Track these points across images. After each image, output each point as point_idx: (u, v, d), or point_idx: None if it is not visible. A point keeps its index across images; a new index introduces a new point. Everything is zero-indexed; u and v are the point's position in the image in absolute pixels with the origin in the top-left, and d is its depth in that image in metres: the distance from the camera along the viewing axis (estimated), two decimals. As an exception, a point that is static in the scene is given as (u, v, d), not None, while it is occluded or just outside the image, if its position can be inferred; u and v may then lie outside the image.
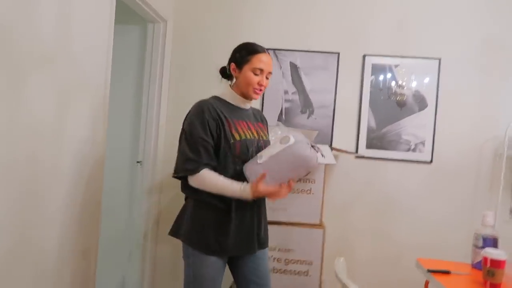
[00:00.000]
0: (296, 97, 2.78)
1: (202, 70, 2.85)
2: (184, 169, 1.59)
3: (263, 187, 1.54)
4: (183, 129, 1.66)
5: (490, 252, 1.58)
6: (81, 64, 1.78)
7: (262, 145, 1.71)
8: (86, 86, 1.85)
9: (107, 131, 2.06)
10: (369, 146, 2.74)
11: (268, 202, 1.80)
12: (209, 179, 1.56)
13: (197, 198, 1.65)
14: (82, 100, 1.82)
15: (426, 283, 1.83)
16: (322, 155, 1.61)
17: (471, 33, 2.70)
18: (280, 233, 2.25)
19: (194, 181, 1.59)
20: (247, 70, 1.66)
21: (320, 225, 2.26)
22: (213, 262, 1.62)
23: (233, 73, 1.72)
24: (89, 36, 1.83)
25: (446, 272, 1.68)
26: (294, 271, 2.24)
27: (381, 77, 2.74)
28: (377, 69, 2.74)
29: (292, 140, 1.53)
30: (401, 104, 2.76)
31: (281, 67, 2.79)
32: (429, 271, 1.70)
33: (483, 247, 1.69)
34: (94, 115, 1.93)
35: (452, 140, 2.71)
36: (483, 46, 2.70)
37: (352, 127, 2.77)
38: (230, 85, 1.76)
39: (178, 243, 1.70)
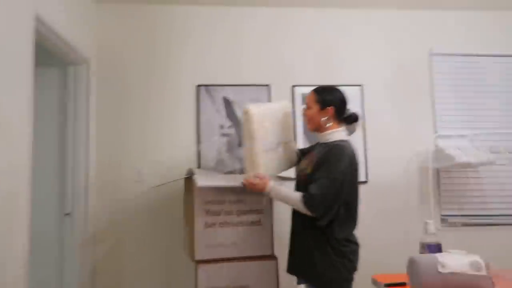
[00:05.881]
0: (232, 130, 2.78)
1: (131, 109, 2.74)
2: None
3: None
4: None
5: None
6: (0, 111, 1.59)
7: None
8: (6, 132, 1.65)
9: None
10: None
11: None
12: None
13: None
14: (2, 148, 1.61)
15: (385, 298, 1.84)
16: None
17: (386, 61, 2.98)
18: (232, 269, 2.14)
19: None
20: None
21: (272, 257, 2.20)
22: None
23: None
24: (7, 82, 1.65)
25: (403, 284, 1.70)
26: (251, 309, 2.13)
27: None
28: (307, 98, 2.86)
29: (483, 272, 1.43)
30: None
31: (214, 103, 2.79)
32: (387, 285, 1.72)
33: (430, 254, 1.75)
34: (17, 167, 1.72)
35: (382, 159, 2.89)
36: (397, 72, 2.98)
37: (289, 156, 2.81)
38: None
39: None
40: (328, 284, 1.82)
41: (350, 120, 1.96)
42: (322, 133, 1.92)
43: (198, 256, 2.09)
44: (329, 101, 1.89)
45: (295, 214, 1.94)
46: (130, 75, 2.77)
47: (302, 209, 1.78)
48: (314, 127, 1.94)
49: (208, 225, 2.13)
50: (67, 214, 2.53)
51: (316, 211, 1.76)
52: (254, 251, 2.18)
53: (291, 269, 1.95)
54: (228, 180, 2.19)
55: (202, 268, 2.11)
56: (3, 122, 1.61)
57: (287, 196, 1.85)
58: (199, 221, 2.12)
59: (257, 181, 1.89)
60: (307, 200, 1.76)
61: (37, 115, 1.92)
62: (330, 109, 1.88)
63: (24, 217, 1.79)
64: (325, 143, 1.90)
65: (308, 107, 1.93)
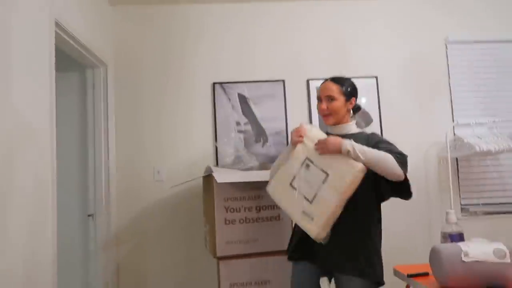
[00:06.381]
0: (248, 127, 2.79)
1: (148, 109, 2.78)
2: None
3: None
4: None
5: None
6: (24, 116, 1.64)
7: None
8: (31, 138, 1.70)
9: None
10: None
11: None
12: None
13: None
14: (28, 153, 1.67)
15: (407, 288, 1.84)
16: None
17: (401, 51, 2.95)
18: (253, 265, 2.17)
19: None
20: None
21: (292, 251, 2.21)
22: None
23: None
24: (30, 87, 1.70)
25: (425, 274, 1.70)
26: (274, 303, 2.15)
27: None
28: (322, 92, 2.85)
29: (507, 259, 1.41)
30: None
31: (230, 100, 2.80)
32: (409, 275, 1.72)
33: (451, 244, 1.74)
34: (41, 169, 1.77)
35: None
36: (413, 62, 2.94)
37: (306, 150, 2.82)
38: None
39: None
40: (376, 276, 1.73)
41: (356, 110, 1.86)
42: (340, 126, 1.79)
43: (219, 253, 2.12)
44: (352, 91, 1.80)
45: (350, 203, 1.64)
46: (147, 76, 2.81)
47: (395, 168, 1.56)
48: (337, 120, 1.79)
49: (228, 222, 2.16)
50: (90, 215, 2.59)
51: (406, 169, 1.62)
52: (274, 246, 2.20)
53: (335, 264, 1.73)
54: (247, 176, 2.21)
55: (224, 264, 2.14)
56: (27, 128, 1.66)
57: (375, 152, 1.58)
58: (219, 218, 2.15)
59: (327, 140, 1.64)
60: (398, 156, 1.59)
61: (58, 119, 1.97)
62: (353, 100, 1.80)
63: (50, 220, 1.84)
64: (345, 135, 1.73)
65: (332, 99, 1.75)
